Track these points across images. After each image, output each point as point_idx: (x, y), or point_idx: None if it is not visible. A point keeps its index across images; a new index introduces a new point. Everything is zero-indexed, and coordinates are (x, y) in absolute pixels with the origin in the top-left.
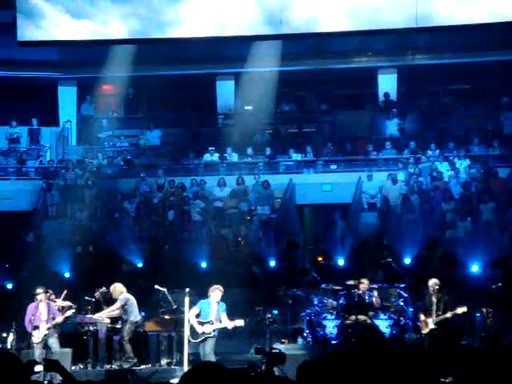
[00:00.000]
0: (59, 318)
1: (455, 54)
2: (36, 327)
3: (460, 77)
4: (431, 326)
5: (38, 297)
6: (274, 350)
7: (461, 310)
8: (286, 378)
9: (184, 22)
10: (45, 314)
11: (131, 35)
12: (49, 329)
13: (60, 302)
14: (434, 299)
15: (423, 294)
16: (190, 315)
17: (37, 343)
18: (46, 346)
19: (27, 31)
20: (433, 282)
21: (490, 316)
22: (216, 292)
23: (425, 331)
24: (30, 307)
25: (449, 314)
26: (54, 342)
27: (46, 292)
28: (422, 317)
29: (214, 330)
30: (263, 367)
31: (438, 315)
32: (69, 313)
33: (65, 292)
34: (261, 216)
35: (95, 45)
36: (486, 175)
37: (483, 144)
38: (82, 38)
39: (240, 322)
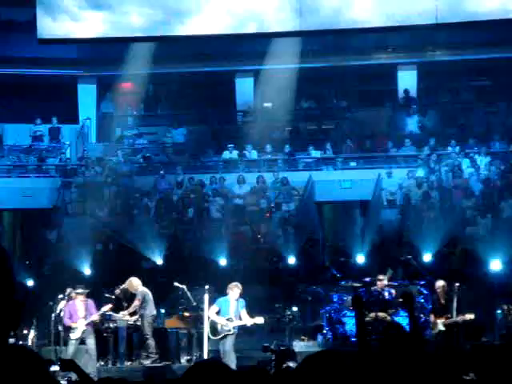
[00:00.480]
0: (95, 316)
1: (476, 49)
2: (74, 323)
3: (481, 73)
4: (440, 327)
5: (79, 296)
6: (282, 347)
7: (469, 316)
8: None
9: (202, 14)
10: (82, 310)
11: (150, 26)
12: (87, 325)
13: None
14: (443, 301)
15: (432, 295)
16: (210, 313)
17: (75, 339)
18: (82, 343)
19: (47, 28)
20: (439, 284)
21: (511, 313)
22: (235, 290)
23: (434, 331)
24: (69, 304)
25: (459, 319)
26: (91, 343)
27: (87, 294)
28: (432, 318)
29: (233, 327)
30: (273, 364)
31: (447, 318)
32: (105, 308)
33: (86, 291)
34: (284, 213)
35: (114, 42)
36: (507, 172)
37: (504, 140)
38: (101, 31)
39: (260, 320)
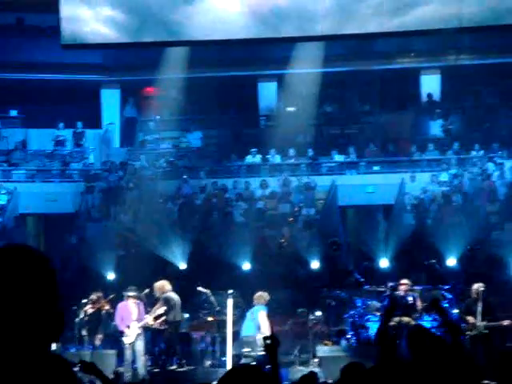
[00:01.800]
0: (150, 319)
1: (500, 53)
2: (127, 327)
3: (505, 77)
4: (482, 330)
5: (131, 298)
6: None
7: None
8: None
9: (225, 21)
10: (135, 313)
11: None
12: (140, 328)
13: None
14: (480, 303)
15: (467, 297)
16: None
17: (129, 344)
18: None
19: (71, 34)
20: (477, 286)
21: None
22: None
23: (472, 333)
24: (120, 306)
25: (506, 322)
26: (140, 345)
27: (138, 297)
28: (471, 319)
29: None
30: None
31: (489, 320)
32: (161, 310)
33: (111, 296)
34: (305, 217)
35: (136, 47)
36: None
37: None
38: (124, 37)
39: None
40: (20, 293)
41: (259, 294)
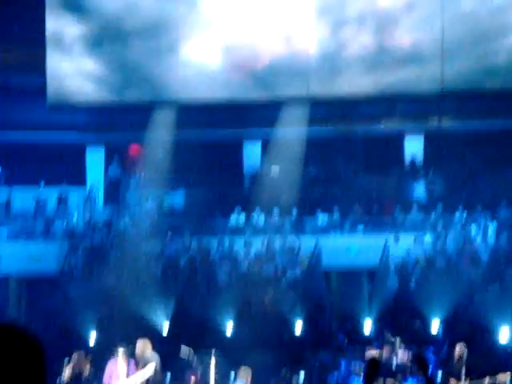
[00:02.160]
0: (137, 376)
1: (483, 118)
2: None
3: (488, 141)
4: None
5: (121, 355)
6: None
7: (504, 377)
8: None
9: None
10: (124, 370)
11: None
12: None
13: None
14: (463, 364)
15: (451, 359)
16: None
17: None
18: None
19: (57, 93)
20: (460, 347)
21: None
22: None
23: None
24: (109, 364)
25: (487, 381)
26: None
27: (128, 354)
28: (453, 382)
29: None
30: None
31: (471, 379)
32: (149, 369)
33: (89, 356)
34: (289, 278)
35: (127, 107)
36: None
37: (511, 207)
38: (109, 95)
39: None
40: (7, 376)
41: (242, 369)
